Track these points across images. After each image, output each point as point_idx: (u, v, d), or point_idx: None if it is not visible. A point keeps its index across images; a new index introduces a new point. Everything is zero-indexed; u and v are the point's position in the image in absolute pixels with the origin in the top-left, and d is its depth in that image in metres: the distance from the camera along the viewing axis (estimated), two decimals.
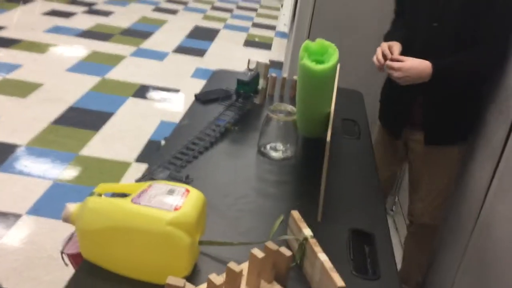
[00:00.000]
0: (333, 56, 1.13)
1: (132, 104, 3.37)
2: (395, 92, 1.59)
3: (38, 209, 2.19)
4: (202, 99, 1.67)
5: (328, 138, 1.02)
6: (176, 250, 0.84)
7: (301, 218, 0.99)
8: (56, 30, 4.67)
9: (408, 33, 1.52)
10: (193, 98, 1.67)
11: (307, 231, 0.95)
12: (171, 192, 0.90)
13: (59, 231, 2.08)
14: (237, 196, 1.15)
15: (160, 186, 0.92)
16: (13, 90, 3.30)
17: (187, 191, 0.91)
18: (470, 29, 1.39)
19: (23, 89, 3.34)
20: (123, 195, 0.91)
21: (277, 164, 1.32)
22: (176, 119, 3.15)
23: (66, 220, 0.90)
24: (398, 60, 1.41)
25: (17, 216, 2.13)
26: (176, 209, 0.85)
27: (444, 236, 1.76)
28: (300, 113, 1.30)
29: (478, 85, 1.53)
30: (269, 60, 1.59)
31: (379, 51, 1.47)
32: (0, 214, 2.13)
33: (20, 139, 2.73)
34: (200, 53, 4.64)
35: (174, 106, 3.46)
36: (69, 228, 2.11)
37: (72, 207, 0.90)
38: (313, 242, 0.92)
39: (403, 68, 1.39)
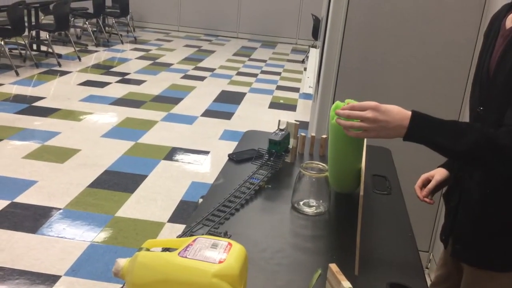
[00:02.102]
0: None
1: (164, 166, 3.48)
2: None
3: (76, 271, 2.24)
4: (235, 158, 1.74)
5: (361, 192, 1.06)
6: None
7: (339, 270, 1.02)
8: (91, 99, 4.94)
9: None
10: (221, 159, 1.74)
11: (346, 284, 0.97)
12: (214, 246, 0.95)
13: None
14: (274, 251, 1.18)
15: (204, 241, 0.97)
16: (51, 156, 3.47)
17: (230, 244, 0.95)
18: None
19: (61, 155, 3.51)
20: (168, 250, 0.96)
21: (311, 219, 1.36)
22: (206, 179, 3.24)
23: (117, 274, 0.96)
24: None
25: (55, 278, 2.19)
26: (220, 261, 0.90)
27: None
28: (332, 169, 1.36)
29: None
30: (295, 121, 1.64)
31: (418, 183, 1.41)
32: (39, 275, 2.19)
33: (58, 202, 2.84)
34: (227, 116, 4.80)
35: (204, 167, 3.56)
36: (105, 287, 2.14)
37: (122, 261, 0.96)
38: None
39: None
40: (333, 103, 1.33)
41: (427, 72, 2.26)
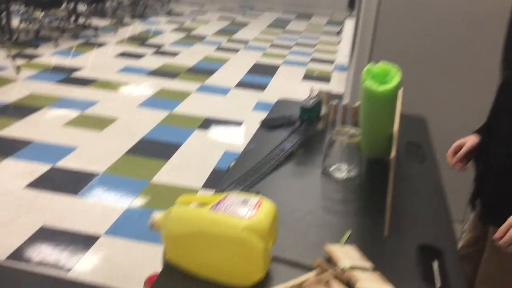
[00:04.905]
0: (395, 77, 1.18)
1: (197, 136, 3.54)
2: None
3: (114, 232, 2.34)
4: (267, 125, 1.76)
5: (393, 154, 1.06)
6: (251, 254, 0.91)
7: (334, 250, 1.00)
8: (128, 70, 5.03)
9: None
10: (254, 130, 1.75)
11: (345, 262, 0.96)
12: (245, 202, 0.97)
13: (134, 251, 2.21)
14: (304, 212, 1.20)
15: (235, 197, 1.00)
16: (90, 124, 3.59)
17: (260, 201, 0.98)
18: None
19: (99, 123, 3.61)
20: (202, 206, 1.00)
21: (341, 184, 1.37)
22: (239, 149, 3.28)
23: (152, 227, 1.00)
24: None
25: (95, 238, 2.29)
26: (250, 217, 0.92)
27: None
28: (363, 134, 1.35)
29: None
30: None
31: (450, 150, 1.40)
32: (80, 235, 2.31)
33: (97, 168, 2.95)
34: (261, 87, 4.80)
35: (237, 137, 3.60)
36: (143, 248, 2.24)
37: (157, 215, 1.00)
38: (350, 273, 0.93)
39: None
40: None
41: (468, 40, 2.18)
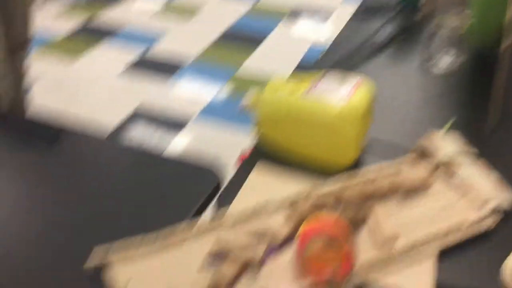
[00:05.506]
0: None
1: (284, 27, 3.45)
2: None
3: (204, 116, 2.48)
4: (361, 14, 1.65)
5: (505, 44, 0.95)
6: (342, 140, 0.90)
7: (434, 137, 0.95)
8: None
9: None
10: (344, 23, 1.64)
11: (447, 149, 0.90)
12: (343, 82, 0.94)
13: (223, 135, 2.34)
14: (400, 102, 1.16)
15: (331, 78, 0.96)
16: (177, 13, 3.61)
17: (359, 81, 0.94)
18: None
19: (187, 12, 3.63)
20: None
21: (443, 76, 1.28)
22: (327, 43, 3.16)
23: (244, 109, 1.01)
24: None
25: (186, 121, 2.44)
26: (343, 102, 0.89)
27: None
28: (473, 21, 1.22)
29: None
30: None
31: None
32: (172, 118, 2.45)
33: (186, 56, 3.02)
34: None
35: (325, 30, 3.45)
36: (231, 132, 2.31)
37: (250, 96, 1.01)
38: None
39: None
40: None
41: None
